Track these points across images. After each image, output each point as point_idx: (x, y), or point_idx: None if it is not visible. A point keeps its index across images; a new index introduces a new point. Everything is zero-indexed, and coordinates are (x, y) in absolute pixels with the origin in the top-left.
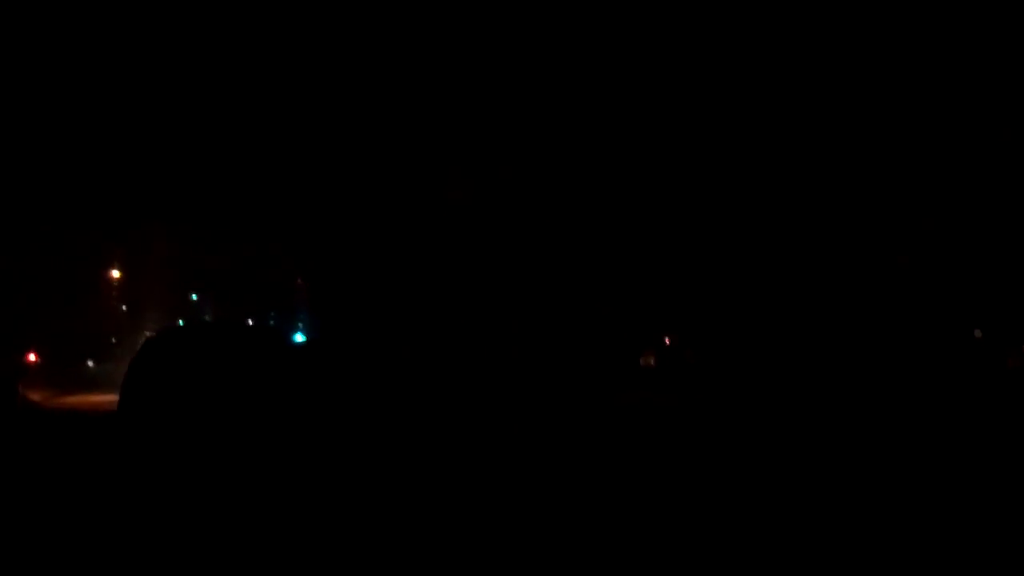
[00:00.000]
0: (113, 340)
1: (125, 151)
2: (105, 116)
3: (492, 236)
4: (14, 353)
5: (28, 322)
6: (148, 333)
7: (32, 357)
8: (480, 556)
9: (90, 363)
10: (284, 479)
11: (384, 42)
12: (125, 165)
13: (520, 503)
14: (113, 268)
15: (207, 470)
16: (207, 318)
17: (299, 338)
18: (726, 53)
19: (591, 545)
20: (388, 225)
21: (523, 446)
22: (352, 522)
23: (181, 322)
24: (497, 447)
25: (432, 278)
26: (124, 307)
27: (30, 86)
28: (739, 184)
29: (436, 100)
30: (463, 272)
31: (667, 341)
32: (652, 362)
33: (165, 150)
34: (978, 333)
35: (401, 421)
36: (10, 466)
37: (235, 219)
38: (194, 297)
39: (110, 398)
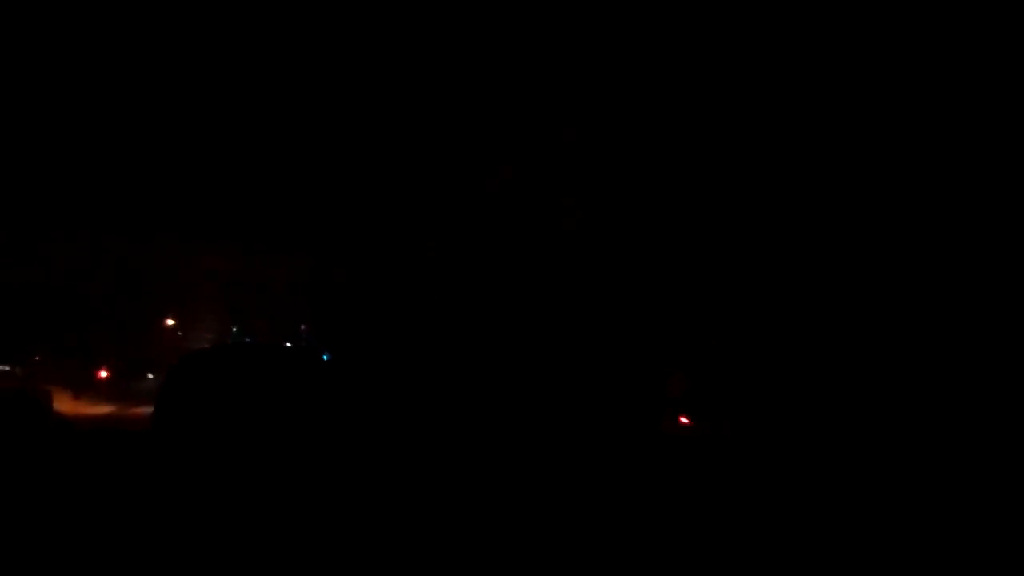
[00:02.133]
0: (180, 353)
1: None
2: (157, 149)
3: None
4: (47, 366)
5: (97, 342)
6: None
7: (103, 374)
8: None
9: (150, 375)
10: (305, 493)
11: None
12: (174, 195)
13: (534, 511)
14: (168, 318)
15: (232, 486)
16: (247, 339)
17: (326, 356)
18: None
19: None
20: (409, 233)
21: (541, 458)
22: (372, 535)
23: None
24: (515, 457)
25: (451, 288)
26: (180, 333)
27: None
28: (751, 189)
29: (452, 105)
30: (484, 281)
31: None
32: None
33: (200, 175)
34: None
35: (415, 429)
36: (32, 485)
37: (267, 240)
38: (235, 329)
39: None
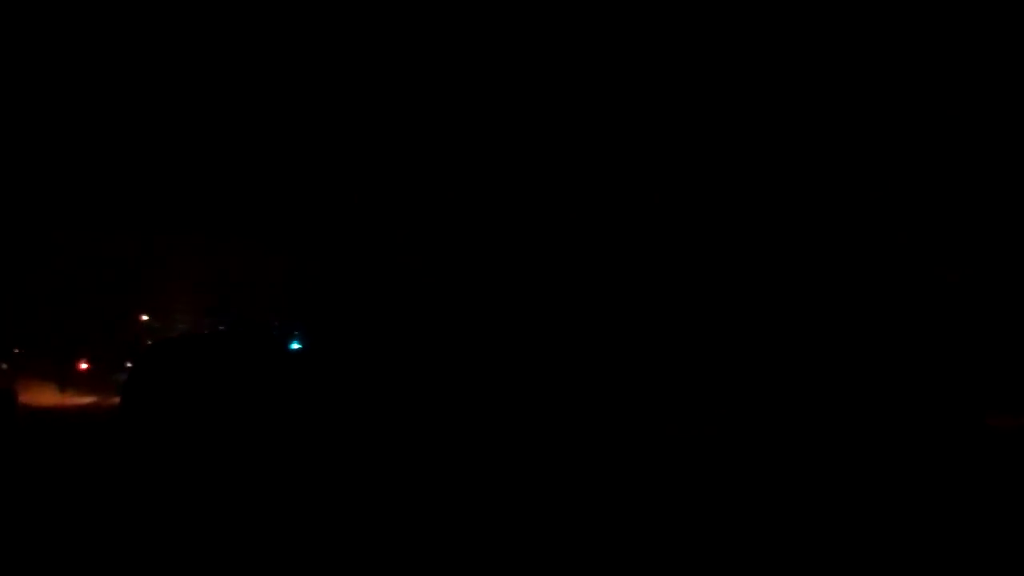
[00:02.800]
0: (149, 343)
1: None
2: (141, 146)
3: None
4: (11, 360)
5: (78, 336)
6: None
7: (84, 365)
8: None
9: (128, 366)
10: (276, 479)
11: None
12: (155, 191)
13: (531, 505)
14: (142, 314)
15: (197, 470)
16: (220, 328)
17: (295, 346)
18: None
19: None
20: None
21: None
22: (351, 521)
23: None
24: (511, 450)
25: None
26: (157, 325)
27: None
28: (747, 190)
29: (448, 104)
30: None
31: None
32: None
33: (184, 169)
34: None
35: (403, 422)
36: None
37: (245, 232)
38: (207, 321)
39: None
